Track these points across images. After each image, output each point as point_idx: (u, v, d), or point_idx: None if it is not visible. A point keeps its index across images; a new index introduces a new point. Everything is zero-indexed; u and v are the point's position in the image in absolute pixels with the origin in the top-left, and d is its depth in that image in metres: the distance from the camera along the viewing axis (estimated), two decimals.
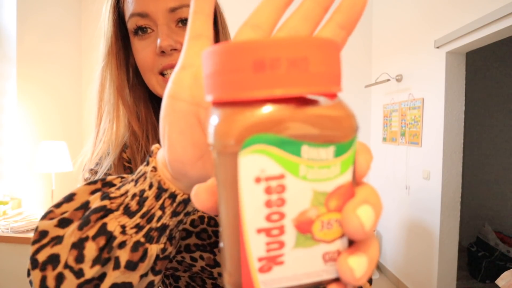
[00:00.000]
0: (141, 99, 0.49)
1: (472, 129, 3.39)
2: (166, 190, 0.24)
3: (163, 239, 0.25)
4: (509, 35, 1.68)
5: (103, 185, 0.29)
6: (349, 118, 0.15)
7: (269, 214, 0.15)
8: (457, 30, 1.87)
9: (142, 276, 0.25)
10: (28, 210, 2.12)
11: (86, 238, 0.24)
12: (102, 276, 0.24)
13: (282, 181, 0.14)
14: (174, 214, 0.25)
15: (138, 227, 0.24)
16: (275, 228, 0.15)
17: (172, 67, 0.43)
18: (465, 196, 3.05)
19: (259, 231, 0.15)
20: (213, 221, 0.45)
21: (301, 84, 0.14)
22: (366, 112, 3.10)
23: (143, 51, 0.44)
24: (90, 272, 0.23)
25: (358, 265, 0.15)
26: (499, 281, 1.48)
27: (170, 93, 0.21)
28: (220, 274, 0.45)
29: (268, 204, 0.15)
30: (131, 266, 0.24)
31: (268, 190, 0.14)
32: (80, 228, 0.24)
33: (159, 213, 0.24)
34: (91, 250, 0.23)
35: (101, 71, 0.48)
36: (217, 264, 0.44)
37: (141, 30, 0.43)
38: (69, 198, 0.28)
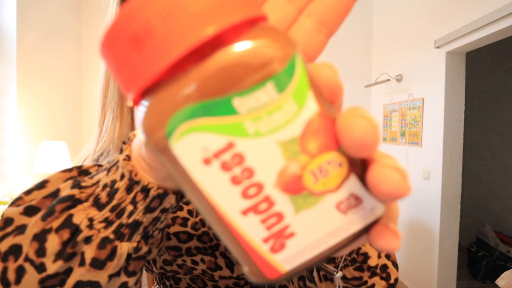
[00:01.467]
0: None
1: (472, 129, 3.39)
2: (137, 183, 0.21)
3: (136, 237, 0.23)
4: (509, 35, 1.68)
5: (79, 173, 0.26)
6: (274, 40, 0.11)
7: (243, 191, 0.12)
8: (457, 30, 1.87)
9: (111, 276, 0.23)
10: None
11: (49, 230, 0.21)
12: (68, 271, 0.22)
13: (234, 150, 0.12)
14: (148, 210, 0.22)
15: (107, 222, 0.22)
16: (260, 202, 0.12)
17: None
18: (465, 196, 3.05)
19: (244, 212, 0.12)
20: None
21: (187, 34, 0.10)
22: None
23: None
24: (52, 267, 0.21)
25: (391, 173, 0.12)
26: (499, 281, 1.48)
27: None
28: (221, 277, 0.45)
29: (235, 180, 0.12)
30: (97, 264, 0.21)
31: (225, 167, 0.12)
32: (44, 218, 0.22)
33: (130, 207, 0.22)
34: (53, 243, 0.21)
35: (106, 67, 0.46)
36: (218, 267, 0.44)
37: None
38: (41, 185, 0.25)
